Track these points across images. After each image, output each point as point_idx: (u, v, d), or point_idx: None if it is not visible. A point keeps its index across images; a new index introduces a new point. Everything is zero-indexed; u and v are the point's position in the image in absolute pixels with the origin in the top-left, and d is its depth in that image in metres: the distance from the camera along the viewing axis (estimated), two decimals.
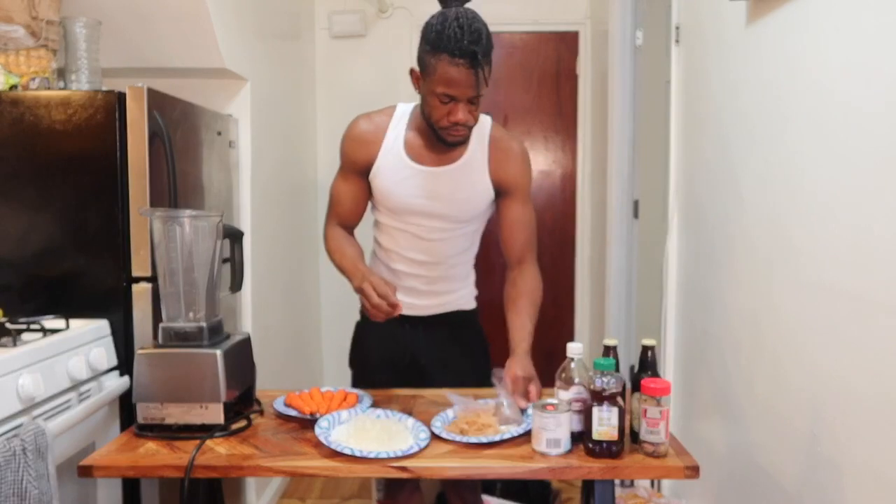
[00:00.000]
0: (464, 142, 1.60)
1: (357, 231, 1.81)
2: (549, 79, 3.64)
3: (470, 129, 1.56)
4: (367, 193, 1.72)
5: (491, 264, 2.20)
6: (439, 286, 1.75)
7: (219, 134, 2.32)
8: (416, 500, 1.86)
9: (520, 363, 1.54)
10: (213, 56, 2.25)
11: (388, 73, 3.57)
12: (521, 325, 1.61)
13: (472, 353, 1.82)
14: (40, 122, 1.78)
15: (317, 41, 3.60)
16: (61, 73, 1.91)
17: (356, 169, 1.69)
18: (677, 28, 2.25)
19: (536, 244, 1.74)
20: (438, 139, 1.58)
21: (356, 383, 1.82)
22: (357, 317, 1.86)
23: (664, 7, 2.41)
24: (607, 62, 3.04)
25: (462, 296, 1.80)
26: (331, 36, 3.59)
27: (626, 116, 2.91)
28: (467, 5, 1.52)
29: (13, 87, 1.83)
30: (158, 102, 1.84)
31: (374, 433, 1.36)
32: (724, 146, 1.85)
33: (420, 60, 1.51)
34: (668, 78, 2.32)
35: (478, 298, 1.86)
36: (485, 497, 2.38)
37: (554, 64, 3.64)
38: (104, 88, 1.83)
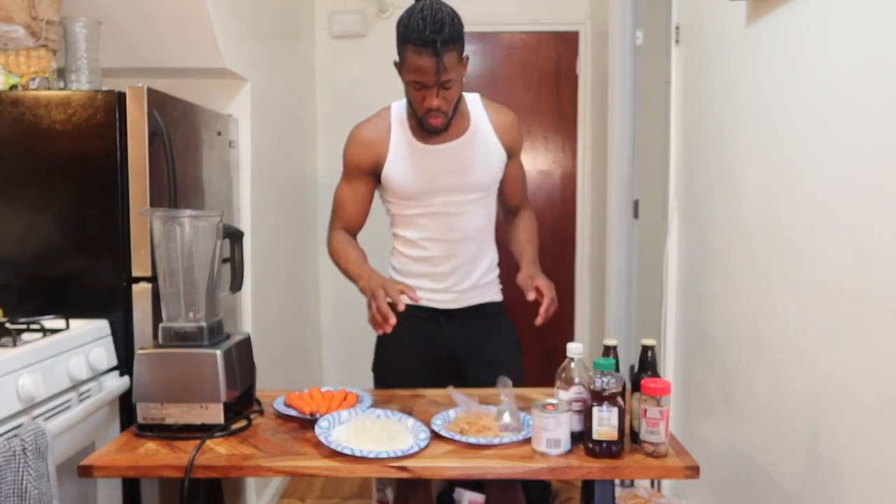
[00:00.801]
0: (445, 128, 1.67)
1: (364, 235, 1.82)
2: (549, 79, 3.64)
3: (447, 114, 1.64)
4: (371, 196, 1.79)
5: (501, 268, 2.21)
6: (476, 267, 1.79)
7: (219, 134, 2.32)
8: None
9: (524, 271, 1.72)
10: (213, 56, 2.25)
11: (388, 73, 3.50)
12: (522, 249, 1.83)
13: (507, 345, 1.84)
14: (40, 122, 1.78)
15: (317, 41, 3.60)
16: (61, 73, 1.91)
17: (362, 172, 1.74)
18: (677, 28, 2.25)
19: (527, 190, 1.96)
20: (423, 129, 1.67)
21: (383, 387, 1.79)
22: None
23: (664, 7, 2.41)
24: (607, 62, 3.04)
25: (492, 282, 1.85)
26: (331, 36, 3.59)
27: (626, 116, 2.91)
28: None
29: (13, 87, 1.83)
30: (158, 102, 1.84)
31: (374, 433, 1.36)
32: (724, 146, 1.85)
33: (398, 54, 1.60)
34: (668, 78, 2.32)
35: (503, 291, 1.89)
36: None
37: (554, 64, 3.64)
38: (104, 88, 1.83)
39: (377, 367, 1.85)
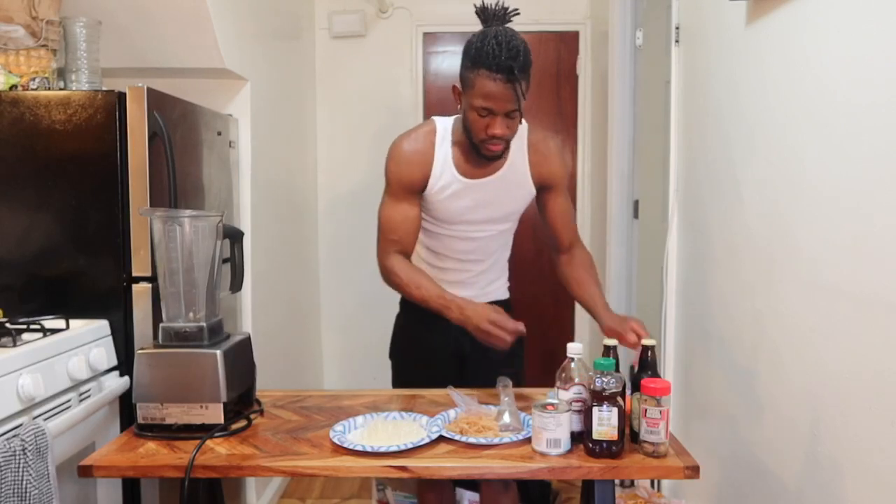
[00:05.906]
0: (501, 155, 1.64)
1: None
2: (549, 79, 3.64)
3: (507, 142, 1.61)
4: (420, 213, 1.74)
5: (521, 260, 2.23)
6: (484, 278, 1.83)
7: (219, 134, 2.32)
8: (447, 494, 1.92)
9: (608, 320, 1.63)
10: (213, 56, 2.25)
11: (388, 72, 3.56)
12: (591, 294, 1.74)
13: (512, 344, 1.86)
14: (40, 122, 1.78)
15: (317, 41, 3.60)
16: (61, 73, 1.91)
17: (411, 189, 1.70)
18: (677, 28, 2.25)
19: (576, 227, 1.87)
20: (478, 154, 1.63)
21: (398, 374, 1.88)
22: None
23: (664, 7, 2.41)
24: (607, 62, 3.04)
25: (499, 286, 1.88)
26: (331, 36, 3.59)
27: (626, 116, 2.91)
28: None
29: (13, 87, 1.83)
30: (158, 102, 1.84)
31: (386, 434, 1.38)
32: (725, 146, 1.85)
33: (461, 77, 1.58)
34: (668, 78, 2.32)
35: (510, 289, 1.93)
36: None
37: (554, 64, 3.64)
38: (104, 88, 1.83)
39: (392, 356, 1.92)
